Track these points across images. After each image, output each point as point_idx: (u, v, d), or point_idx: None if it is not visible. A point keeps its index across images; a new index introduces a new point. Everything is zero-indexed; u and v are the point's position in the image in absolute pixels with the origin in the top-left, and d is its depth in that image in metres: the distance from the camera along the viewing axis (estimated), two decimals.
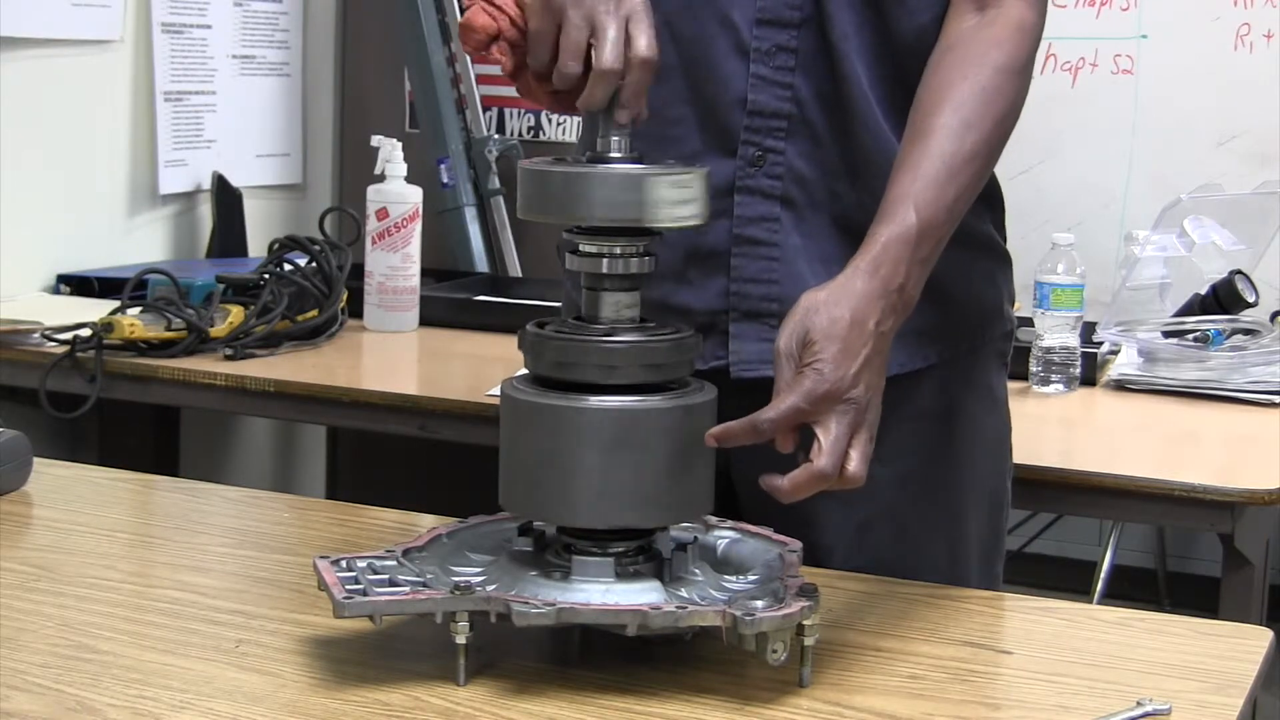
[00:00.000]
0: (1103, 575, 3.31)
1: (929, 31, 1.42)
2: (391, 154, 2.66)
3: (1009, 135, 1.40)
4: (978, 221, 1.53)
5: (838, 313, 1.26)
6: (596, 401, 1.22)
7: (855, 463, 1.24)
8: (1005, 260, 1.58)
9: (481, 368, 2.44)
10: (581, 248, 1.26)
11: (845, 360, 1.24)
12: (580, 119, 1.57)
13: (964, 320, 1.53)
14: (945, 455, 1.54)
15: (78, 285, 2.72)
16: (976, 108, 1.35)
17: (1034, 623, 1.39)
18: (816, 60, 1.44)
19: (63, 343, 2.33)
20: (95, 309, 2.44)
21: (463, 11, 1.42)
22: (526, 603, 1.17)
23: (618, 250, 1.25)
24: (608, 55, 1.25)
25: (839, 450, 1.23)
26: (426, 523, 1.50)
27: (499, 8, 1.33)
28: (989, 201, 1.54)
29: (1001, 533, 1.61)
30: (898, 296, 1.29)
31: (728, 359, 1.49)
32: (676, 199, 1.23)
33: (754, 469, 1.53)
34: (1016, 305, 1.64)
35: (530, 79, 1.32)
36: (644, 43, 1.26)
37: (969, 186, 1.35)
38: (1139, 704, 1.16)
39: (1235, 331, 2.43)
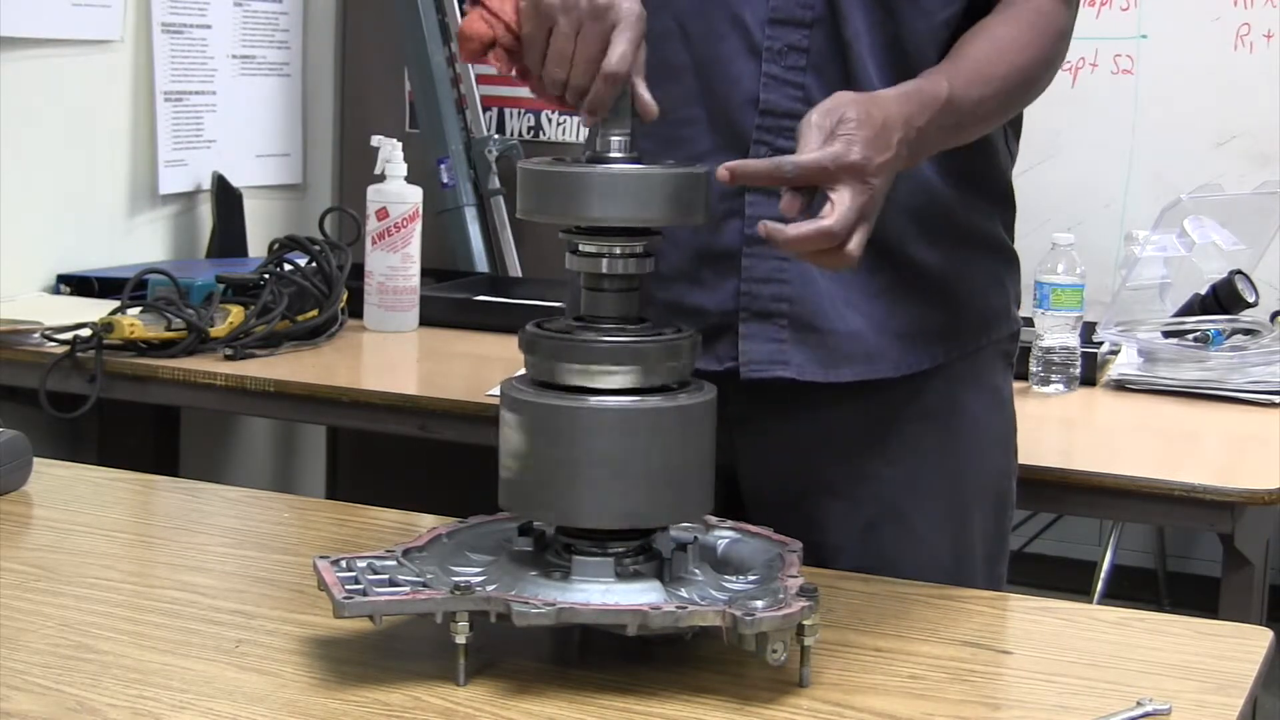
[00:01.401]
0: (1103, 575, 3.31)
1: (941, 31, 1.43)
2: (391, 154, 2.66)
3: (1033, 91, 1.44)
4: (988, 223, 1.54)
5: (874, 110, 1.28)
6: (596, 402, 1.22)
7: (855, 242, 1.24)
8: (1013, 262, 1.59)
9: (481, 368, 2.44)
10: (581, 248, 1.26)
11: (875, 146, 1.26)
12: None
13: (971, 321, 1.54)
14: (952, 455, 1.54)
15: (78, 285, 2.72)
16: (1010, 44, 1.41)
17: (1034, 623, 1.39)
18: (829, 60, 1.44)
19: (63, 343, 2.33)
20: (95, 309, 2.44)
21: (463, 12, 1.42)
22: (526, 603, 1.17)
23: (617, 250, 1.25)
24: (576, 74, 1.27)
25: (850, 220, 1.23)
26: (426, 523, 1.50)
27: (495, 15, 1.34)
28: (1000, 203, 1.55)
29: (1006, 532, 1.61)
30: (916, 135, 1.31)
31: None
32: (676, 198, 1.23)
33: (762, 474, 1.53)
34: None
35: (536, 80, 1.33)
36: (615, 56, 1.27)
37: (992, 100, 1.39)
38: (1139, 704, 1.16)
39: (1235, 331, 2.43)
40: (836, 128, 1.25)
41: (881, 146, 1.26)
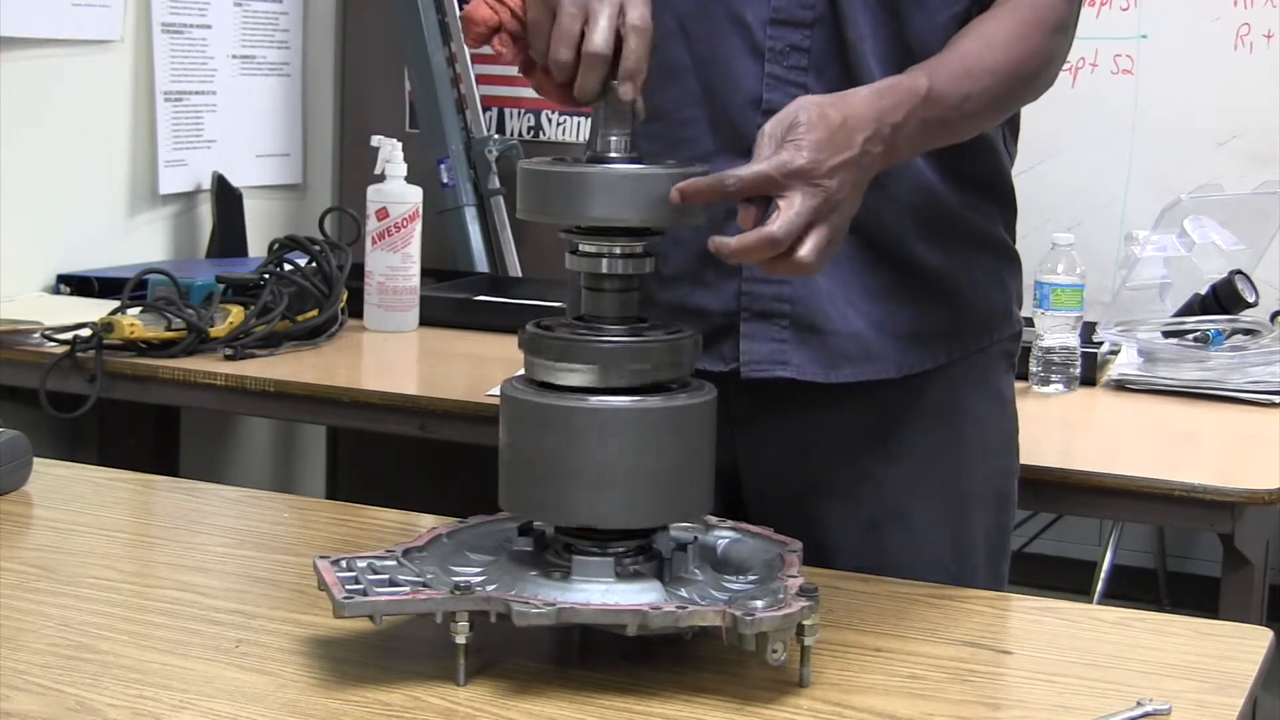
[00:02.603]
0: (1103, 575, 3.31)
1: (945, 31, 1.42)
2: (391, 154, 2.66)
3: (1029, 86, 1.42)
4: (989, 223, 1.54)
5: (831, 112, 1.26)
6: (596, 402, 1.22)
7: (808, 247, 1.22)
8: (1015, 262, 1.59)
9: (481, 368, 2.44)
10: (581, 248, 1.26)
11: (827, 149, 1.24)
12: (589, 119, 1.58)
13: (973, 321, 1.54)
14: (953, 455, 1.54)
15: (78, 285, 2.72)
16: (1000, 39, 1.39)
17: (1034, 623, 1.39)
18: (831, 60, 1.44)
19: (63, 343, 2.33)
20: (95, 309, 2.44)
21: (464, 10, 1.42)
22: (526, 603, 1.17)
23: (617, 250, 1.25)
24: (597, 40, 1.25)
25: (796, 225, 1.22)
26: (426, 523, 1.50)
27: (501, 0, 1.34)
28: (1002, 203, 1.55)
29: (1008, 533, 1.61)
30: (890, 131, 1.29)
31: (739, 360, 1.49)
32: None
33: (763, 474, 1.53)
34: None
35: (540, 74, 1.32)
36: (636, 14, 1.26)
37: (983, 96, 1.37)
38: (1139, 704, 1.16)
39: (1235, 331, 2.43)
40: (787, 134, 1.24)
41: (837, 147, 1.24)
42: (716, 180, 1.22)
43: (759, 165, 1.23)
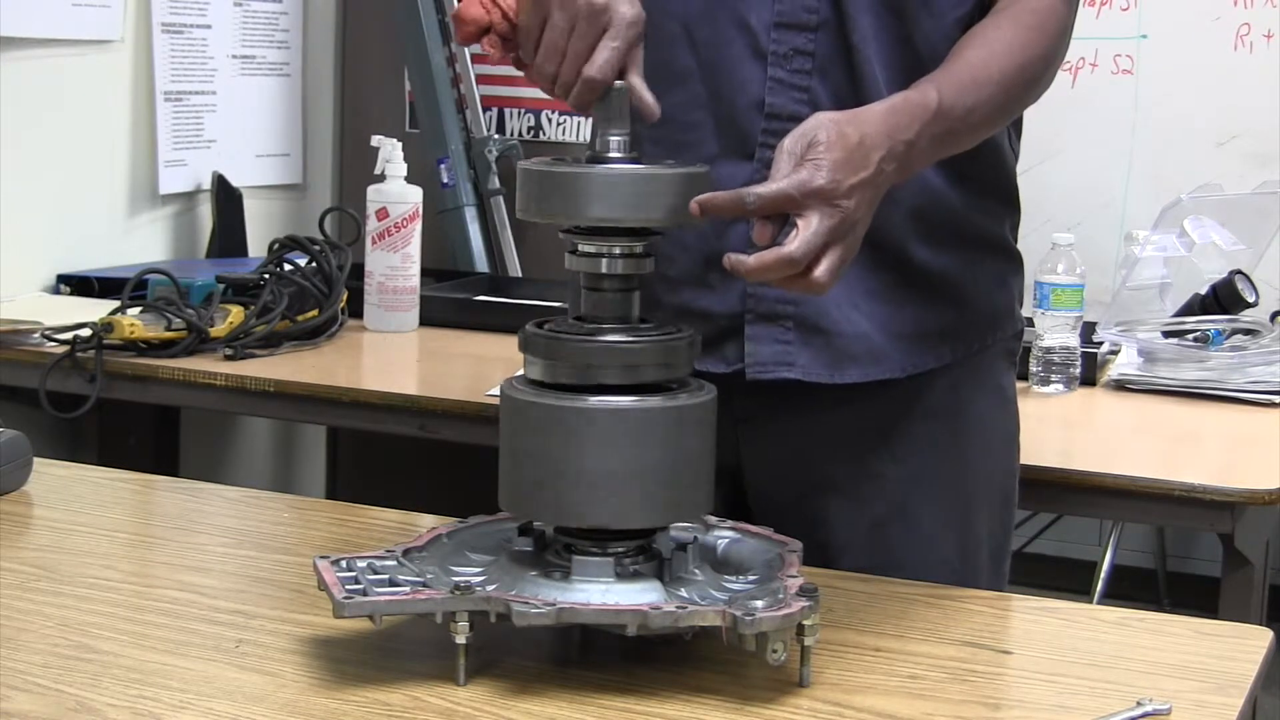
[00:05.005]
0: (1103, 575, 3.31)
1: (951, 34, 1.42)
2: (391, 154, 2.66)
3: (1031, 92, 1.42)
4: (993, 224, 1.54)
5: (849, 130, 1.26)
6: (596, 401, 1.22)
7: (823, 268, 1.23)
8: (1017, 263, 1.59)
9: (481, 368, 2.44)
10: (580, 248, 1.26)
11: (846, 169, 1.24)
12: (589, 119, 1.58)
13: (976, 321, 1.54)
14: (956, 454, 1.54)
15: (78, 285, 2.72)
16: (1004, 46, 1.39)
17: (1034, 623, 1.39)
18: (835, 63, 1.44)
19: (63, 343, 2.33)
20: (95, 309, 2.44)
21: (455, 9, 1.43)
22: (526, 603, 1.17)
23: (617, 250, 1.25)
24: (566, 70, 1.28)
25: (814, 245, 1.22)
26: (426, 523, 1.50)
27: (493, 1, 1.34)
28: (1005, 203, 1.55)
29: (1010, 531, 1.61)
30: (904, 149, 1.29)
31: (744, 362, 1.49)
32: (675, 199, 1.23)
33: (768, 474, 1.54)
34: None
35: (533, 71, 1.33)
36: (597, 62, 1.27)
37: (988, 105, 1.37)
38: (1139, 704, 1.16)
39: (1235, 331, 2.43)
40: (806, 152, 1.24)
41: (855, 166, 1.25)
42: (736, 197, 1.22)
43: (779, 183, 1.23)
